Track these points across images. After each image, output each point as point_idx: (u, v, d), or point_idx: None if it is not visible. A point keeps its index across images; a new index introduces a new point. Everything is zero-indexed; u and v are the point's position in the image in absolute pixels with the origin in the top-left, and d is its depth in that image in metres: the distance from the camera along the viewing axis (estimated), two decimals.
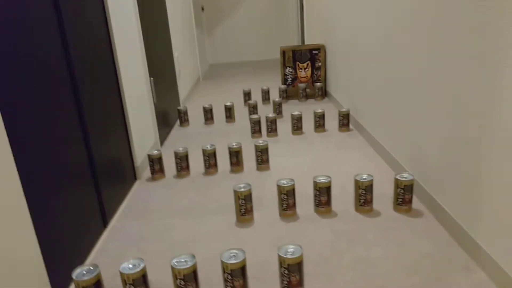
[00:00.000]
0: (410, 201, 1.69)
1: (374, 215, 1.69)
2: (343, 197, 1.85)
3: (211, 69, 5.97)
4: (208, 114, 3.20)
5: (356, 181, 1.71)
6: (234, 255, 1.25)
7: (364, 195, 1.70)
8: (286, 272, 1.23)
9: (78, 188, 1.55)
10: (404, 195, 1.67)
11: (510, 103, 1.13)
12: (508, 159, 1.16)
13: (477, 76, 1.27)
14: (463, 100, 1.36)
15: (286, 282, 1.25)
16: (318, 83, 3.66)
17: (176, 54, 3.63)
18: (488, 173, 1.26)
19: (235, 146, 2.20)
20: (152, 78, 2.65)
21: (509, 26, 1.11)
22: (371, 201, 1.72)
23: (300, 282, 1.26)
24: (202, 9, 5.85)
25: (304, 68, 3.68)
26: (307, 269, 1.38)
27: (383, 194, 1.84)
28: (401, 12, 1.84)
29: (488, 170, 1.26)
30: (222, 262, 1.23)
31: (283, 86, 3.67)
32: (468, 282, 1.27)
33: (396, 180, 1.68)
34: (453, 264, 1.36)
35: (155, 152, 2.21)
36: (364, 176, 1.72)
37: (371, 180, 1.70)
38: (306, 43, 4.75)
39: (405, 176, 1.69)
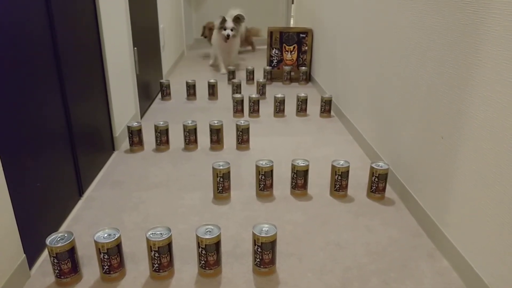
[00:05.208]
0: (384, 189, 1.74)
1: (347, 201, 1.74)
2: (319, 181, 1.89)
3: (197, 44, 5.87)
4: (191, 90, 3.17)
5: (333, 167, 1.75)
6: (209, 231, 1.27)
7: (339, 181, 1.74)
8: (260, 250, 1.27)
9: (54, 154, 1.53)
10: (378, 183, 1.72)
11: (478, 105, 1.17)
12: (473, 156, 1.21)
13: (453, 77, 1.31)
14: (438, 96, 1.40)
15: (258, 260, 1.28)
16: (303, 67, 3.66)
17: (161, 25, 3.55)
18: (457, 168, 1.31)
19: (216, 124, 2.21)
20: (135, 48, 2.60)
21: (486, 24, 1.14)
22: (346, 187, 1.76)
23: (272, 260, 1.29)
24: None
25: (290, 51, 3.68)
26: (279, 248, 1.42)
27: (358, 181, 1.89)
28: (385, 5, 1.86)
29: (456, 166, 1.31)
30: (197, 236, 1.25)
31: (268, 68, 3.66)
32: (432, 268, 1.34)
33: (372, 168, 1.73)
34: (418, 252, 1.42)
35: (135, 124, 2.19)
36: (341, 162, 1.76)
37: (348, 167, 1.74)
38: (293, 25, 4.72)
39: (380, 165, 1.74)
